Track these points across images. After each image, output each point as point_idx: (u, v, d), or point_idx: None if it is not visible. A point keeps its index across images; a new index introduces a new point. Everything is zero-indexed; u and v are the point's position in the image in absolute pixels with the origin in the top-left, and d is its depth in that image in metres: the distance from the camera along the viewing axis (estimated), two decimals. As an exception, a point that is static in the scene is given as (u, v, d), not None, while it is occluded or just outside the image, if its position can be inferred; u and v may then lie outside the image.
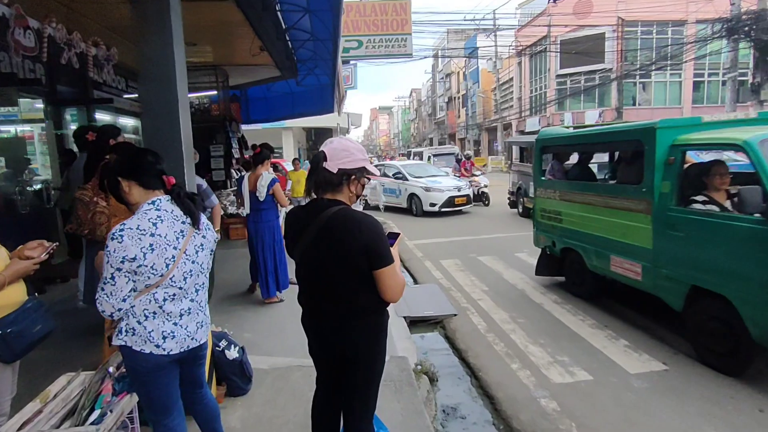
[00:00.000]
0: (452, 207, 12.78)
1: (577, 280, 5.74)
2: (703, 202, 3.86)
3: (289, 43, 9.64)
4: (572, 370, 3.87)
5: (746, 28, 16.99)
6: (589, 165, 6.38)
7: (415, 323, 5.29)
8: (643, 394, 3.47)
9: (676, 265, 4.02)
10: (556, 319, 5.04)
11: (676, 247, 4.00)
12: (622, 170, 5.44)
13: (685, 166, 4.12)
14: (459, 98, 58.34)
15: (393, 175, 14.17)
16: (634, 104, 32.29)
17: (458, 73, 57.68)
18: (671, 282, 4.09)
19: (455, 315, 5.35)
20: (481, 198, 14.62)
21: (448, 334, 4.95)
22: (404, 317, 5.25)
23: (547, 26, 32.35)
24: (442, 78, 64.84)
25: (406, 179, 13.61)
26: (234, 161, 11.77)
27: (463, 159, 16.66)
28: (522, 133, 37.05)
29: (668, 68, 31.97)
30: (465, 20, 43.53)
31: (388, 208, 14.22)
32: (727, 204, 3.84)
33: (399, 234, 2.10)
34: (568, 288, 5.94)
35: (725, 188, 3.94)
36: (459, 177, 15.22)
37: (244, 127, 29.16)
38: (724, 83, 32.36)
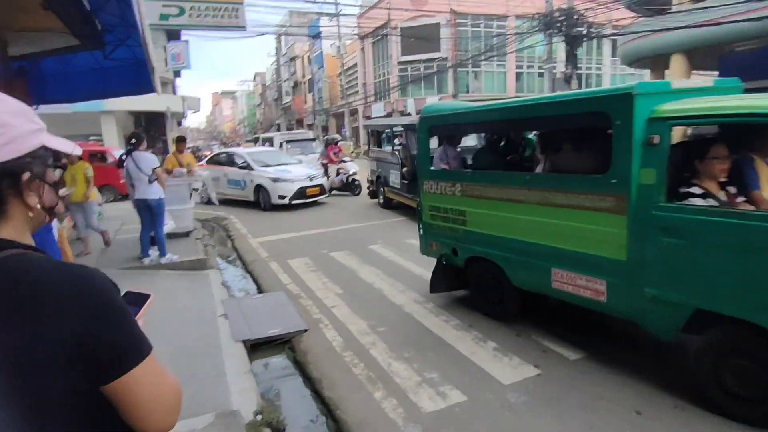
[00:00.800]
0: (304, 198, 11.63)
1: (492, 298, 4.47)
2: (702, 195, 2.93)
3: (86, 2, 7.67)
4: (443, 391, 3.32)
5: (558, 24, 18.91)
6: (501, 149, 5.26)
7: (258, 345, 4.34)
8: (521, 411, 3.05)
9: (669, 282, 2.95)
10: (419, 324, 4.52)
11: (671, 259, 2.94)
12: (567, 155, 3.99)
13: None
14: (305, 83, 57.04)
15: (239, 164, 12.43)
16: (467, 91, 34.58)
17: (303, 57, 56.28)
18: (661, 306, 3.01)
19: (306, 331, 4.52)
20: (350, 187, 13.50)
21: (298, 357, 4.11)
22: (243, 341, 4.26)
23: (388, 9, 32.80)
24: (287, 62, 62.75)
25: (252, 169, 12.02)
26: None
27: (331, 144, 15.29)
28: (368, 118, 37.47)
29: (495, 59, 34.88)
30: (307, 1, 42.26)
31: (233, 202, 12.53)
32: (722, 195, 2.99)
33: (148, 296, 1.15)
34: (477, 306, 4.68)
35: (720, 177, 3.01)
36: (327, 163, 14.15)
37: (45, 108, 24.45)
38: (540, 75, 36.55)
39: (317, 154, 16.22)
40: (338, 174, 13.57)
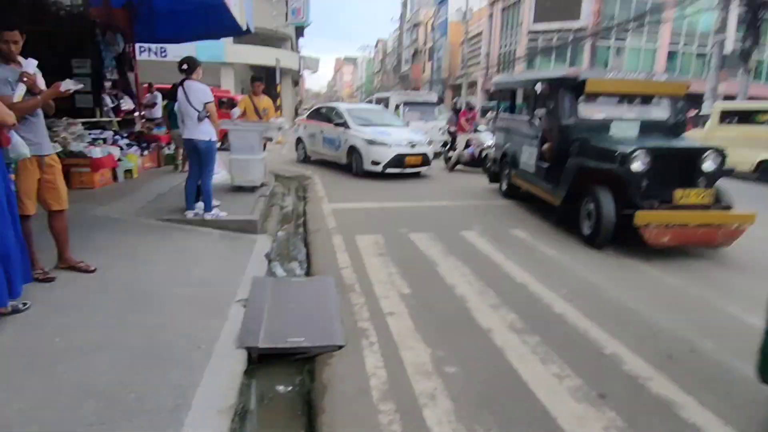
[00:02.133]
0: (401, 168, 9.69)
1: None
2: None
3: None
4: None
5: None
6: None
7: (269, 357, 2.99)
8: None
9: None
10: (512, 371, 2.84)
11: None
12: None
13: None
14: (425, 51, 55.06)
15: (336, 121, 10.74)
16: (606, 68, 30.36)
17: (427, 23, 54.14)
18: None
19: (340, 347, 3.07)
20: (482, 162, 10.67)
21: (313, 396, 2.66)
22: (248, 349, 2.93)
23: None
24: (410, 28, 61.05)
25: (348, 127, 10.30)
26: (108, 85, 8.80)
27: (464, 108, 12.69)
28: (487, 92, 34.76)
29: (644, 34, 30.11)
30: (436, -38, 39.96)
31: (327, 164, 11.25)
32: None
33: None
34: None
35: None
36: (456, 131, 11.94)
37: (172, 56, 25.34)
38: (701, 55, 30.95)
39: (440, 122, 13.79)
40: (468, 145, 11.20)
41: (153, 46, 23.00)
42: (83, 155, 6.50)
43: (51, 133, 6.47)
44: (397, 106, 14.69)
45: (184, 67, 5.08)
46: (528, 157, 7.08)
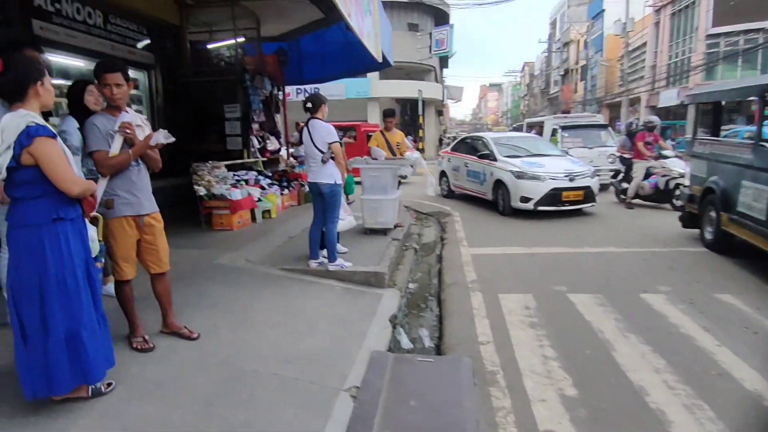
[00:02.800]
0: (558, 205, 8.21)
1: None
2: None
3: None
4: None
5: None
6: None
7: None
8: None
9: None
10: None
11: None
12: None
13: None
14: (577, 70, 51.39)
15: (481, 152, 9.64)
16: (818, 71, 24.63)
17: (578, 41, 50.64)
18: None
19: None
20: (668, 195, 8.85)
21: None
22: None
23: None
24: (560, 48, 57.80)
25: (494, 159, 9.09)
26: (255, 127, 9.14)
27: (643, 130, 9.99)
28: (653, 108, 30.69)
29: None
30: (590, -24, 37.33)
31: (471, 200, 10.20)
32: None
33: None
34: None
35: None
36: (632, 158, 9.60)
37: (329, 97, 26.82)
38: None
39: (608, 148, 11.75)
40: (649, 176, 9.09)
41: (308, 87, 24.74)
42: (224, 197, 6.59)
43: (196, 177, 6.73)
44: (554, 132, 13.03)
45: (308, 105, 4.71)
46: (755, 197, 5.09)
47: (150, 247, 3.09)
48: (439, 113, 39.89)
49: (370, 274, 4.79)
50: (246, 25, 9.97)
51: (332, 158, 4.63)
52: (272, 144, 9.54)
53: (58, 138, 2.22)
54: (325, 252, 5.00)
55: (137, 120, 3.04)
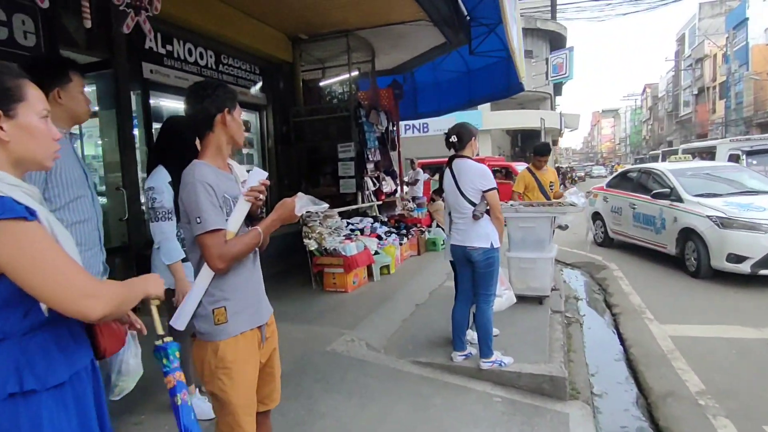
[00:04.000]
0: None
1: None
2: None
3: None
4: None
5: None
6: None
7: None
8: None
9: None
10: None
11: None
12: None
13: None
14: (715, 87, 45.47)
15: (656, 189, 7.38)
16: None
17: (715, 55, 45.00)
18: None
19: None
20: None
21: None
22: None
23: None
24: (690, 65, 51.94)
25: (678, 199, 6.90)
26: (370, 167, 8.19)
27: None
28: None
29: None
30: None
31: (632, 249, 8.04)
32: None
33: None
34: None
35: None
36: None
37: (434, 131, 25.84)
38: None
39: None
40: None
41: (416, 122, 24.01)
42: (337, 253, 5.54)
43: (306, 229, 5.78)
44: (731, 157, 10.40)
45: (453, 139, 3.43)
46: None
47: (267, 372, 1.92)
48: (554, 143, 37.20)
49: (543, 378, 3.30)
50: (360, 58, 9.23)
51: (487, 212, 3.30)
52: (388, 185, 8.51)
53: (39, 216, 1.11)
54: (472, 336, 3.63)
55: (260, 179, 1.90)
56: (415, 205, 8.90)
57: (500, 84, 9.39)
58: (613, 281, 6.59)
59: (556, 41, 28.84)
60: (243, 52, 7.41)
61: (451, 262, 3.71)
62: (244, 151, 7.95)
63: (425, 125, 25.81)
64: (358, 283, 5.74)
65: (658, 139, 63.12)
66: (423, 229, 8.17)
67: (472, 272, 3.39)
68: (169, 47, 6.14)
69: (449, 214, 3.54)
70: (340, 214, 6.94)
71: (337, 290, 5.57)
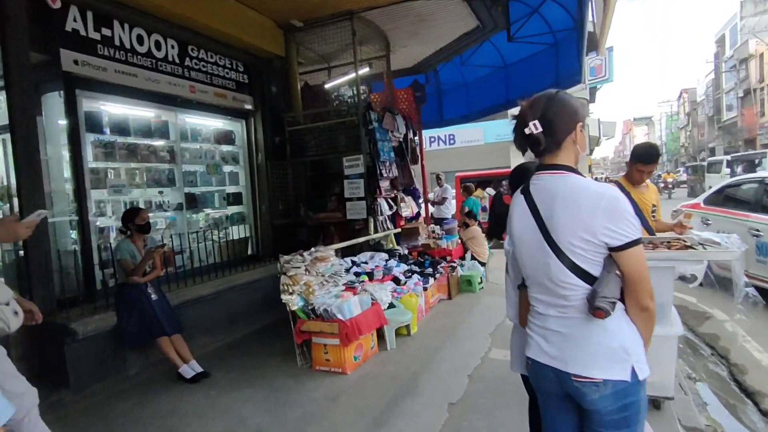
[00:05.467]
0: None
1: None
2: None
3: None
4: None
5: None
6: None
7: None
8: None
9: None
10: None
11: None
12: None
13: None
14: (762, 89, 42.26)
15: None
16: None
17: (761, 54, 41.91)
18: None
19: None
20: None
21: None
22: None
23: None
24: (733, 66, 48.75)
25: None
26: (385, 185, 6.42)
27: None
28: None
29: None
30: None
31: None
32: None
33: None
34: None
35: None
36: None
37: (460, 143, 23.96)
38: None
39: None
40: None
41: (441, 133, 22.16)
42: (331, 315, 3.74)
43: (286, 280, 3.98)
44: None
45: (535, 129, 1.54)
46: None
47: None
48: (590, 152, 34.78)
49: None
50: (372, 52, 7.53)
51: (621, 297, 1.45)
52: (407, 208, 6.71)
53: None
54: None
55: None
56: (442, 232, 7.04)
57: (547, 77, 7.53)
58: (731, 342, 4.58)
59: (590, 42, 26.70)
60: (219, 42, 5.79)
61: (524, 378, 1.88)
62: (226, 168, 6.29)
63: (451, 136, 23.91)
64: (362, 357, 3.92)
65: (699, 145, 59.60)
66: (454, 264, 6.31)
67: (581, 422, 1.54)
68: (106, 31, 4.53)
69: (521, 287, 1.72)
70: (347, 250, 5.17)
71: (331, 370, 3.76)
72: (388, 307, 4.43)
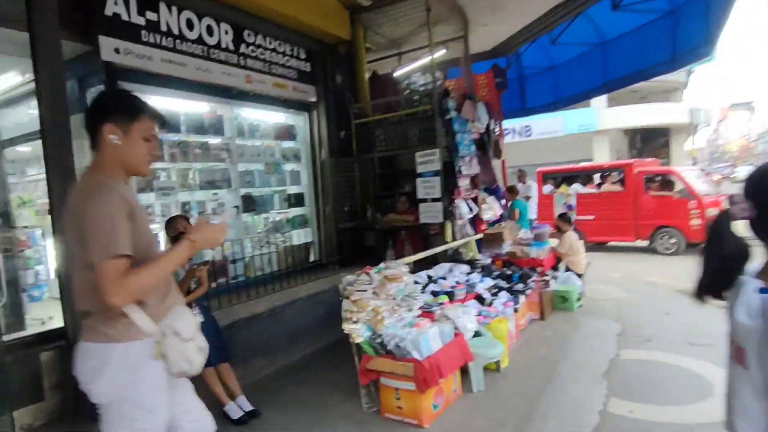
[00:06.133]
0: None
1: None
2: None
3: None
4: None
5: None
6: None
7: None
8: None
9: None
10: None
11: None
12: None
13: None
14: None
15: None
16: None
17: None
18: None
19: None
20: None
21: None
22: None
23: None
24: None
25: None
26: (464, 184, 5.56)
27: None
28: None
29: None
30: None
31: None
32: None
33: None
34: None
35: None
36: None
37: (538, 134, 22.38)
38: None
39: None
40: None
41: (516, 124, 20.70)
42: (403, 352, 2.97)
43: (349, 306, 3.26)
44: None
45: None
46: None
47: None
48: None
49: None
50: (448, 33, 6.68)
51: None
52: (490, 210, 5.80)
53: None
54: None
55: None
56: (531, 239, 6.04)
57: (660, 52, 6.28)
58: None
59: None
60: (277, 26, 5.20)
61: None
62: (286, 167, 5.72)
63: (527, 128, 22.39)
64: (443, 404, 3.11)
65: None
66: (546, 276, 5.34)
67: None
68: (151, 15, 4.03)
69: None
70: (416, 264, 4.38)
71: (403, 420, 3.00)
72: (474, 336, 3.60)
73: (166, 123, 1.75)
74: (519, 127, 21.57)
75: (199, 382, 3.33)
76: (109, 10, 3.71)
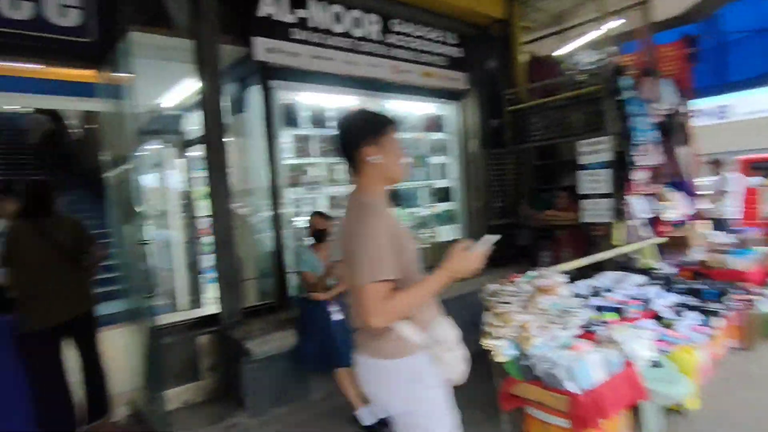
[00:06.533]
0: None
1: None
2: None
3: None
4: None
5: None
6: None
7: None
8: None
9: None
10: None
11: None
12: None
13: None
14: None
15: None
16: None
17: None
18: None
19: None
20: None
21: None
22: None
23: None
24: None
25: None
26: (641, 176, 4.69)
27: None
28: None
29: None
30: None
31: None
32: None
33: None
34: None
35: None
36: None
37: (737, 108, 19.19)
38: None
39: None
40: None
41: (707, 104, 17.40)
42: (556, 382, 2.49)
43: (492, 319, 2.86)
44: None
45: None
46: None
47: None
48: None
49: None
50: (623, 0, 5.73)
51: None
52: (675, 209, 4.80)
53: None
54: None
55: None
56: (727, 247, 4.84)
57: None
58: None
59: None
60: (425, 11, 4.95)
61: None
62: (433, 160, 5.48)
63: (721, 108, 18.76)
64: (606, 449, 2.55)
65: None
66: (751, 296, 4.20)
67: None
68: (300, 12, 4.09)
69: None
70: (579, 273, 3.76)
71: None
72: (651, 368, 2.91)
73: (398, 124, 1.76)
74: (710, 108, 18.15)
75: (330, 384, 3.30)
76: (263, 11, 3.85)
